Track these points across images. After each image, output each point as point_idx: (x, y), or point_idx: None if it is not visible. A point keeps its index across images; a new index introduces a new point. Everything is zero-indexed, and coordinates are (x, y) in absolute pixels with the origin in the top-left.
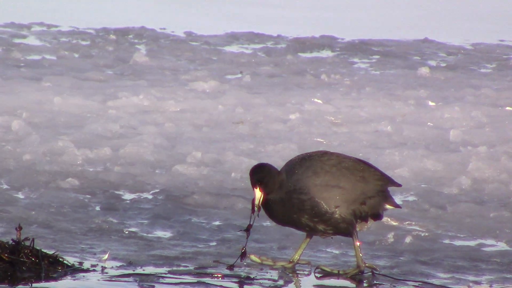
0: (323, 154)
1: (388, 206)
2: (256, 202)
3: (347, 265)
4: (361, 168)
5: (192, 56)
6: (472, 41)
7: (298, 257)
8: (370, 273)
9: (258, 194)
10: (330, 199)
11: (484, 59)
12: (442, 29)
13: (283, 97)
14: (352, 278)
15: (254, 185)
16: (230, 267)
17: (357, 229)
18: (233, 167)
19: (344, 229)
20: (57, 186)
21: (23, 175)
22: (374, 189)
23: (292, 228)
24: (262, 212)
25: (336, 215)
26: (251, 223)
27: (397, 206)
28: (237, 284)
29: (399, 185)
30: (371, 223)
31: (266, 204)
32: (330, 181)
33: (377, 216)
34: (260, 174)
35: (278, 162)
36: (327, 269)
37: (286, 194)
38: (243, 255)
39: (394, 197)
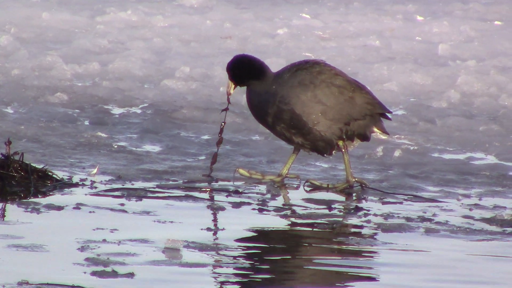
0: (316, 64)
1: (376, 130)
2: (226, 88)
3: (336, 179)
4: (352, 88)
5: None
6: None
7: (287, 171)
8: (359, 187)
9: (229, 82)
10: (311, 115)
11: None
12: None
13: (271, 12)
14: (341, 192)
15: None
16: (207, 175)
17: (343, 146)
18: (222, 82)
19: (322, 148)
20: (46, 101)
21: (12, 90)
22: (362, 112)
23: (271, 133)
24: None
25: (315, 131)
26: (224, 121)
27: (385, 132)
28: (225, 198)
29: (389, 112)
30: (357, 142)
31: (248, 94)
32: (315, 96)
33: (364, 137)
34: (231, 63)
35: None
36: (317, 183)
37: (266, 93)
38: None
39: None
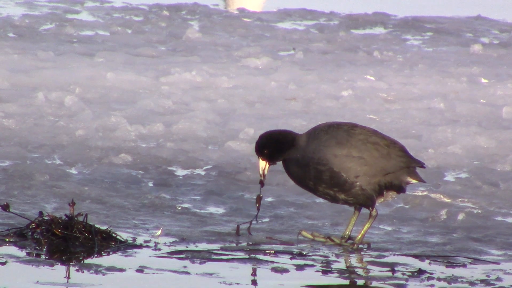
0: (353, 127)
1: (412, 180)
2: (260, 171)
3: (399, 242)
4: (387, 143)
5: (244, 32)
6: None
7: (349, 233)
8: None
9: (262, 163)
10: (351, 169)
11: None
12: (495, 6)
13: (335, 73)
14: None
15: (258, 155)
16: (237, 232)
17: (379, 201)
18: None
19: (363, 201)
20: (110, 162)
21: (76, 150)
22: (397, 165)
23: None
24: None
25: (356, 186)
26: (260, 194)
27: (421, 180)
28: (289, 260)
29: (422, 165)
30: (394, 195)
31: (285, 163)
32: (352, 152)
33: (399, 189)
34: (262, 143)
35: None
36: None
37: (303, 158)
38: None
39: (446, 173)
